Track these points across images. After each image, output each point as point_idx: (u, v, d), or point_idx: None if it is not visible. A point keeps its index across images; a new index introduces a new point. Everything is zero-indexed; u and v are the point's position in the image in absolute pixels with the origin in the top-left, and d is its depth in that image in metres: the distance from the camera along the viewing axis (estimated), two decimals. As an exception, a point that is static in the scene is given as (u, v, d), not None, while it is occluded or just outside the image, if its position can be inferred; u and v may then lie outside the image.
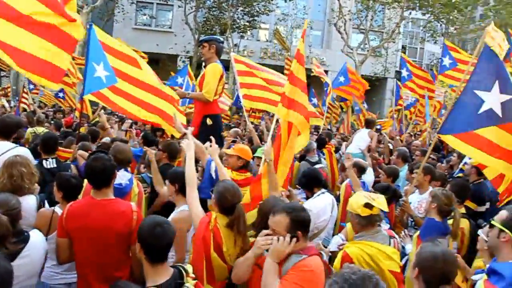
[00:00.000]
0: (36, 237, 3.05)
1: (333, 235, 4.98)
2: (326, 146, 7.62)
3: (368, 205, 3.35)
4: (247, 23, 28.03)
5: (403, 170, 6.58)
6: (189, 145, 3.87)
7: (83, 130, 7.47)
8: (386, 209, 3.49)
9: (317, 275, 2.63)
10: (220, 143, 6.61)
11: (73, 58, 13.03)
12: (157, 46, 29.04)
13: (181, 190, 3.71)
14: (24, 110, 12.63)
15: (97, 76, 5.23)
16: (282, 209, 2.79)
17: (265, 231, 2.82)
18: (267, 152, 4.24)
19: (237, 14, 26.92)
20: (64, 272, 3.55)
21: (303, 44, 4.93)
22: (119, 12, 27.62)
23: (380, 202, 3.41)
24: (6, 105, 14.31)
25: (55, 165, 4.94)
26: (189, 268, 2.69)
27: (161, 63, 30.54)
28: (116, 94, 5.67)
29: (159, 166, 5.17)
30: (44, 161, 4.91)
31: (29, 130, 8.37)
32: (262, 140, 7.66)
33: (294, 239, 2.67)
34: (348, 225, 4.02)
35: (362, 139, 8.79)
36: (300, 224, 2.72)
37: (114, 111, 6.06)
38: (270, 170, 4.15)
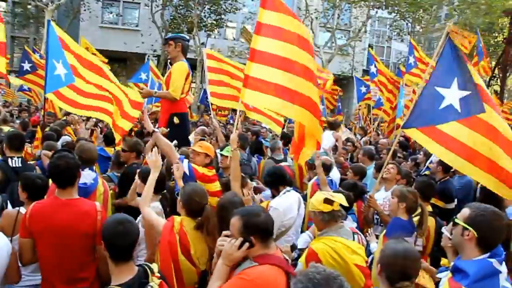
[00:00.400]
0: None
1: (301, 233, 4.98)
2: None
3: (328, 201, 3.40)
4: (214, 22, 27.88)
5: (370, 168, 6.65)
6: (155, 163, 3.81)
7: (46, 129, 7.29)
8: (345, 203, 3.53)
9: (256, 286, 2.46)
10: (187, 141, 6.56)
11: (41, 56, 12.71)
12: (124, 44, 28.56)
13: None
14: None
15: (57, 74, 5.13)
16: (237, 212, 2.72)
17: (225, 232, 2.77)
18: (232, 141, 4.56)
19: (204, 13, 26.73)
20: (30, 273, 3.46)
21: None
22: (85, 10, 27.01)
23: (339, 197, 3.47)
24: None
25: (20, 165, 4.81)
26: (155, 267, 2.68)
27: (129, 62, 30.07)
28: (77, 93, 5.54)
29: (128, 166, 5.14)
30: (9, 160, 4.77)
31: (-6, 129, 8.08)
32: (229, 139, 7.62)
33: (246, 244, 2.56)
34: None
35: (326, 139, 8.84)
36: (253, 229, 2.58)
37: (75, 109, 5.86)
38: (235, 159, 4.44)
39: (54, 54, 5.21)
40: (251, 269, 2.53)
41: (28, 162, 5.07)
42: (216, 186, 4.52)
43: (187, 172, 4.42)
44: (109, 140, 6.67)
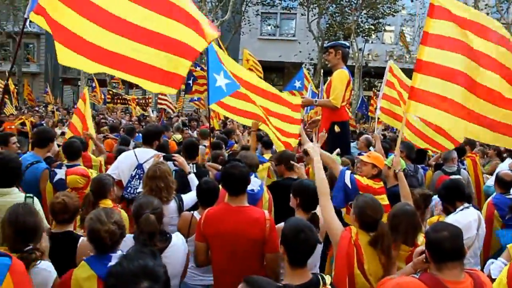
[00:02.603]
0: (177, 238, 3.23)
1: (480, 255, 4.44)
2: (469, 155, 6.86)
3: None
4: (372, 26, 27.19)
5: None
6: (315, 149, 3.72)
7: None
8: None
9: None
10: (348, 150, 6.40)
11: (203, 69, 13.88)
12: (281, 55, 29.57)
13: (302, 205, 3.62)
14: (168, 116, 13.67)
15: (218, 86, 5.42)
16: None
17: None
18: (396, 163, 4.30)
19: (361, 18, 26.25)
20: (202, 274, 3.69)
21: None
22: (245, 24, 28.75)
23: None
24: (151, 114, 15.78)
25: (195, 170, 5.19)
26: (328, 278, 2.67)
27: (286, 71, 31.07)
28: (238, 98, 5.81)
29: (282, 179, 5.10)
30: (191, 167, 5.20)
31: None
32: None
33: (422, 256, 2.63)
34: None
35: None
36: (428, 243, 2.54)
37: (238, 116, 6.14)
38: (401, 180, 4.19)
39: (214, 68, 5.50)
40: (408, 277, 2.60)
41: (201, 168, 5.43)
42: (383, 199, 4.25)
43: (348, 184, 4.27)
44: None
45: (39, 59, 40.28)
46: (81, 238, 3.21)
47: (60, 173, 4.79)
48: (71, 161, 4.99)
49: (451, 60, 4.32)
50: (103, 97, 19.37)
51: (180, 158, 4.69)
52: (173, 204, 3.99)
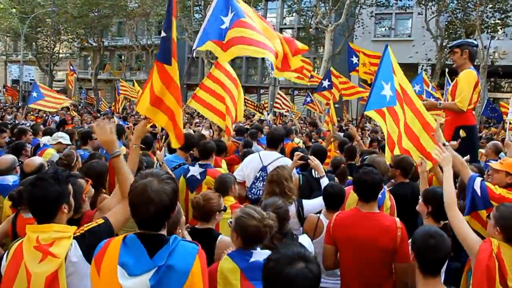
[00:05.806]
0: (304, 240, 3.32)
1: None
2: None
3: None
4: (498, 21, 24.93)
5: None
6: (447, 159, 3.58)
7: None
8: None
9: None
10: (476, 157, 6.03)
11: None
12: (396, 56, 28.53)
13: (434, 213, 3.53)
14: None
15: (383, 95, 5.34)
16: None
17: None
18: None
19: (486, 13, 24.27)
20: (326, 276, 3.74)
21: None
22: (358, 26, 28.31)
23: None
24: (267, 117, 16.36)
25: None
26: None
27: (401, 73, 29.97)
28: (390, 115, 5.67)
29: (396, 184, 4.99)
30: (313, 171, 5.22)
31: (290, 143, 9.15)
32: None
33: None
34: None
35: None
36: None
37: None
38: None
39: (384, 75, 5.46)
40: None
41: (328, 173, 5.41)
42: None
43: (478, 191, 3.88)
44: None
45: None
46: (220, 236, 3.40)
47: (193, 170, 5.09)
48: (204, 160, 5.22)
49: None
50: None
51: (316, 161, 4.68)
52: (291, 209, 4.03)
